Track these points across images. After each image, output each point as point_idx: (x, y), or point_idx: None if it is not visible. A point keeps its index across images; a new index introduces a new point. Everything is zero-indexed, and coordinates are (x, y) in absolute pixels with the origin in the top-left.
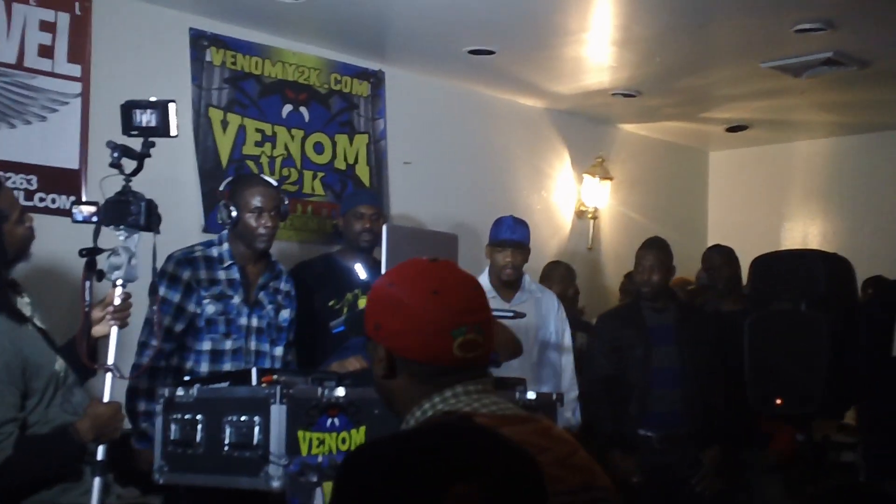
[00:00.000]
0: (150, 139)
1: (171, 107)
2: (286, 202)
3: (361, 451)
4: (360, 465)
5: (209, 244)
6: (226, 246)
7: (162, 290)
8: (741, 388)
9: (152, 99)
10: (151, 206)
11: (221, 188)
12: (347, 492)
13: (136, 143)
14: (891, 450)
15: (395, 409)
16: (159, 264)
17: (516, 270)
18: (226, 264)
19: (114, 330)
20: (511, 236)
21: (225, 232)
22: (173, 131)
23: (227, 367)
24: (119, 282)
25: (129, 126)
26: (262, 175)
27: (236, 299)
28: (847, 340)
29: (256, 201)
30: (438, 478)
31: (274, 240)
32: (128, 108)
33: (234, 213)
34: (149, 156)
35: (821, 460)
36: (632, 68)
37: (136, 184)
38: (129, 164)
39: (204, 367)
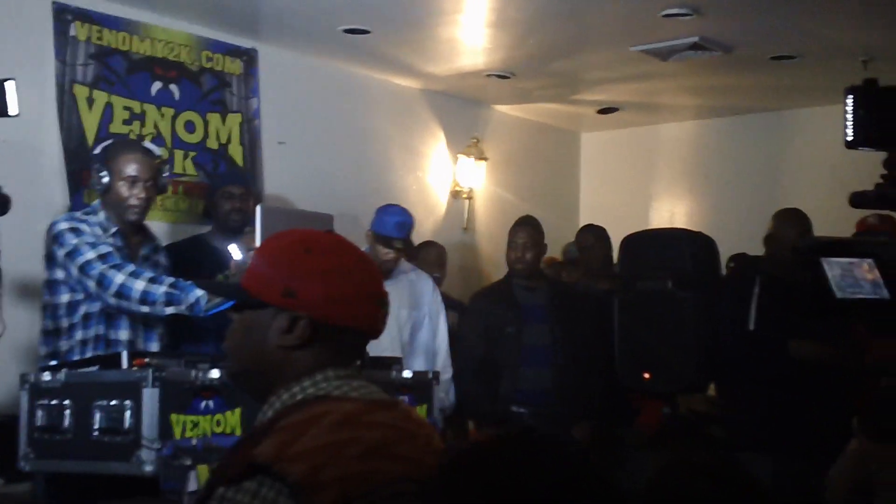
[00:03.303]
0: None
1: (10, 85)
2: (166, 174)
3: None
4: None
5: (87, 212)
6: (102, 214)
7: (74, 239)
8: (613, 365)
9: None
10: None
11: (96, 151)
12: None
13: None
14: (749, 422)
15: (275, 384)
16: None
17: (397, 262)
18: (110, 231)
19: None
20: (399, 234)
21: (98, 201)
22: (13, 110)
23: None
24: None
25: None
26: (144, 143)
27: None
28: (711, 316)
29: (131, 169)
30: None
31: (147, 212)
32: None
33: (104, 180)
34: None
35: (688, 433)
36: (506, 50)
37: None
38: None
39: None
